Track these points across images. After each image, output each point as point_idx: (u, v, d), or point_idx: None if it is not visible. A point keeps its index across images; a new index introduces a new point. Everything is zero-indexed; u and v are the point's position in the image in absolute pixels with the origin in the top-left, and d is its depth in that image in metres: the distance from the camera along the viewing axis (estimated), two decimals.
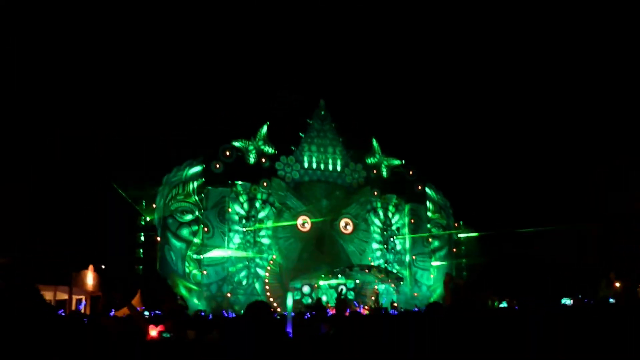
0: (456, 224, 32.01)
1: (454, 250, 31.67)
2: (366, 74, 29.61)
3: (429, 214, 31.39)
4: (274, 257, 27.62)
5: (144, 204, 25.47)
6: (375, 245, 30.04)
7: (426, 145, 30.83)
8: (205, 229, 26.11)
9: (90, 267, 24.49)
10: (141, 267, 25.25)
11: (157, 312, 18.86)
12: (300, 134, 29.67)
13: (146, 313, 18.10)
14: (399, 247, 30.52)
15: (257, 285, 26.92)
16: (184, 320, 14.86)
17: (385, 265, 29.46)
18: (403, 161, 31.36)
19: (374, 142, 31.04)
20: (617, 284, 22.29)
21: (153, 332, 9.27)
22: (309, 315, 20.18)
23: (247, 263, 26.94)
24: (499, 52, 29.63)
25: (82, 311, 22.26)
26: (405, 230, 30.61)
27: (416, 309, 25.03)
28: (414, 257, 30.37)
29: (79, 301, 24.57)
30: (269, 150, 28.52)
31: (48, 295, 22.65)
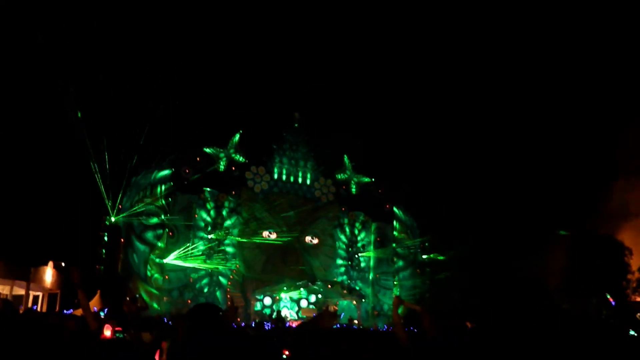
0: (422, 245, 32.06)
1: (418, 271, 31.70)
2: (343, 91, 29.67)
3: (395, 233, 31.42)
4: (237, 266, 27.46)
5: (109, 204, 25.17)
6: (339, 261, 30.03)
7: (396, 165, 30.94)
8: (170, 234, 25.86)
9: (50, 263, 24.13)
10: (102, 267, 24.90)
11: (107, 311, 18.58)
12: (273, 145, 29.65)
13: (102, 313, 17.83)
14: (363, 265, 30.53)
15: (218, 294, 26.69)
16: (142, 323, 14.65)
17: (349, 282, 29.45)
18: (373, 179, 31.41)
19: (345, 158, 31.08)
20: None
21: (107, 332, 9.12)
22: (268, 327, 20.04)
23: (209, 271, 26.71)
24: (472, 72, 29.88)
25: (38, 309, 21.91)
26: (371, 248, 30.61)
27: (372, 328, 24.94)
28: (377, 275, 30.35)
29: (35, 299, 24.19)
30: (240, 159, 28.40)
31: (4, 290, 22.28)
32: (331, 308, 28.41)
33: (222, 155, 27.96)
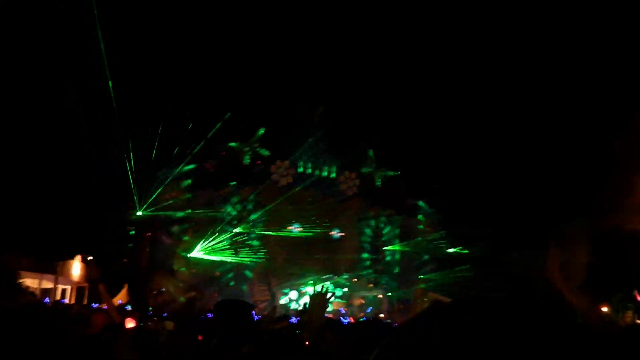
0: (446, 239, 31.83)
1: (444, 265, 31.47)
2: (368, 83, 29.50)
3: (420, 226, 31.23)
4: (263, 260, 27.51)
5: (136, 198, 25.33)
6: (364, 255, 29.93)
7: (422, 158, 30.69)
8: (195, 228, 25.98)
9: (78, 257, 24.36)
10: (129, 261, 25.12)
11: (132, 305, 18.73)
12: (297, 139, 29.59)
13: (128, 307, 17.96)
14: (388, 258, 30.39)
15: (244, 287, 26.77)
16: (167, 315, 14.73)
17: (374, 275, 29.36)
18: (397, 173, 31.24)
19: (370, 152, 30.94)
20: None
21: (130, 324, 9.18)
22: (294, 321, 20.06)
23: (235, 264, 26.79)
24: (492, 66, 29.60)
25: (67, 302, 22.12)
26: (396, 241, 30.46)
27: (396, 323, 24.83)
28: (402, 269, 30.20)
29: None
30: (264, 153, 28.42)
31: (33, 283, 22.51)
32: (358, 301, 28.44)
33: (246, 149, 27.99)
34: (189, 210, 25.94)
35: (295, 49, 28.10)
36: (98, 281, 20.51)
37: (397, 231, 30.64)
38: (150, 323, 10.17)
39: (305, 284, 26.91)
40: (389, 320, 25.36)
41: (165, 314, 13.78)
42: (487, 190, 28.97)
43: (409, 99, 29.76)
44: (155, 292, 23.59)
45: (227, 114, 25.75)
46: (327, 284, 26.92)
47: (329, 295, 5.12)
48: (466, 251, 31.18)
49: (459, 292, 29.53)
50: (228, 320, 4.94)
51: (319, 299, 6.73)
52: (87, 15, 20.02)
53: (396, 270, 30.24)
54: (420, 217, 31.32)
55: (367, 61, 30.19)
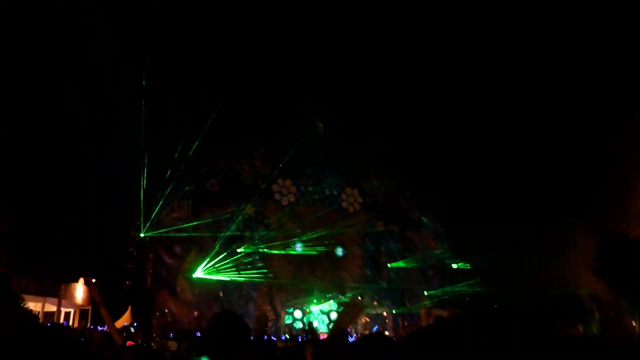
0: (450, 254, 31.75)
1: (448, 280, 31.38)
2: (367, 100, 29.50)
3: (424, 242, 31.19)
4: (267, 279, 27.41)
5: (139, 219, 25.28)
6: (368, 272, 29.84)
7: (424, 174, 30.65)
8: (198, 248, 25.94)
9: (81, 279, 24.28)
10: (132, 282, 25.04)
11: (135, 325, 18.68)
12: (298, 157, 29.57)
13: (132, 328, 17.90)
14: (392, 275, 30.30)
15: (249, 307, 26.66)
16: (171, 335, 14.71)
17: (378, 292, 29.25)
18: (400, 188, 31.21)
19: (372, 167, 30.93)
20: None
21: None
22: (300, 339, 20.00)
23: (239, 284, 26.71)
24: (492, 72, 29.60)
25: (71, 324, 22.06)
26: (400, 257, 30.39)
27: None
28: (407, 285, 30.09)
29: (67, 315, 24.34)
30: (266, 172, 28.42)
31: (36, 307, 22.44)
32: (363, 320, 28.31)
33: (248, 168, 27.99)
34: (192, 231, 25.88)
35: (294, 62, 28.13)
36: (100, 304, 20.39)
37: (401, 246, 30.58)
38: (153, 343, 10.17)
39: (310, 303, 26.81)
40: (393, 337, 25.27)
41: (171, 335, 13.77)
42: (489, 200, 28.89)
43: (410, 105, 29.75)
44: (158, 313, 23.50)
45: (229, 133, 25.84)
46: (332, 302, 26.84)
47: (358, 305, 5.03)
48: (467, 266, 31.11)
49: (464, 306, 29.44)
50: (223, 333, 4.87)
51: (353, 309, 6.64)
52: (90, 14, 20.11)
53: (400, 287, 30.13)
54: (424, 232, 31.29)
55: (366, 65, 30.18)
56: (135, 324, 19.33)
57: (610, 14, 26.99)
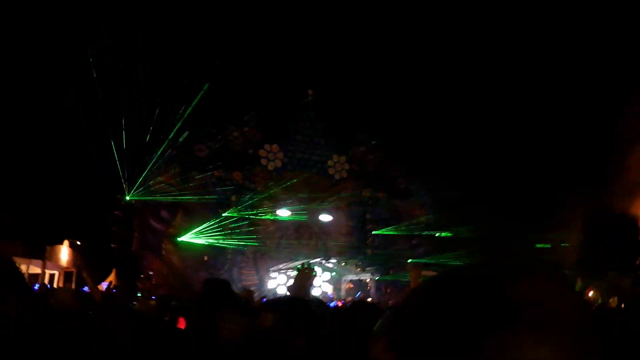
0: (437, 222, 31.83)
1: (435, 248, 31.51)
2: (359, 69, 29.41)
3: (410, 210, 31.25)
4: (252, 244, 27.50)
5: (125, 183, 25.22)
6: (354, 239, 29.94)
7: (412, 141, 30.65)
8: (185, 212, 25.95)
9: (66, 242, 24.31)
10: (118, 245, 25.08)
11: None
12: (286, 123, 29.47)
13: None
14: (377, 242, 30.41)
15: (232, 272, 26.77)
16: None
17: (363, 259, 29.42)
18: (388, 155, 31.15)
19: (360, 135, 30.84)
20: None
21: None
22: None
23: (224, 249, 26.79)
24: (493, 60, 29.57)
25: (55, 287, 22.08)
26: (385, 225, 30.47)
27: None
28: (392, 252, 30.24)
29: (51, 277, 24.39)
30: (254, 137, 28.30)
31: (21, 269, 22.42)
32: (347, 286, 28.57)
33: (236, 133, 27.88)
34: (178, 195, 25.87)
35: (286, 31, 27.96)
36: (84, 266, 20.44)
37: (388, 214, 30.65)
38: (136, 303, 10.24)
39: (294, 268, 26.95)
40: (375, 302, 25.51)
41: (154, 297, 13.80)
42: (480, 169, 29.02)
43: (403, 81, 29.72)
44: (144, 276, 23.58)
45: (217, 97, 25.64)
46: (317, 268, 26.99)
47: (312, 273, 5.10)
48: (448, 234, 31.27)
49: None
50: (213, 297, 4.95)
51: (301, 276, 6.74)
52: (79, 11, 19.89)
53: (385, 254, 30.29)
54: (412, 200, 31.35)
55: (361, 41, 30.07)
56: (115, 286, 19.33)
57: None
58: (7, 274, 3.33)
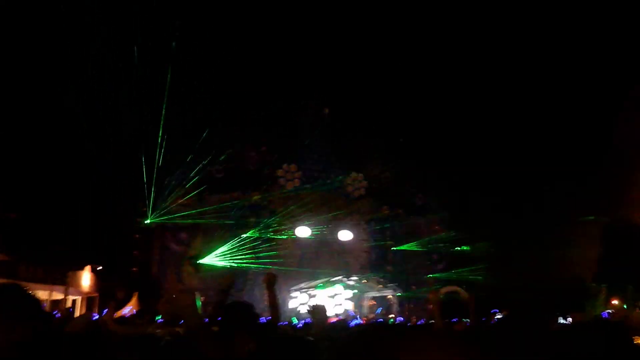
0: (455, 238, 31.72)
1: (453, 264, 31.40)
2: (373, 84, 29.45)
3: (429, 226, 31.20)
4: (273, 265, 27.46)
5: (145, 206, 25.28)
6: (374, 256, 29.89)
7: (429, 158, 30.62)
8: (204, 234, 25.99)
9: (87, 267, 24.44)
10: (138, 269, 25.15)
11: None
12: (303, 142, 29.55)
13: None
14: (397, 259, 30.34)
15: (256, 292, 26.72)
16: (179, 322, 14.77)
17: (384, 276, 29.34)
18: (405, 172, 31.13)
19: (377, 152, 30.85)
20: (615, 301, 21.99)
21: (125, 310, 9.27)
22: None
23: (245, 270, 26.76)
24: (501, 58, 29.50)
25: (77, 313, 22.20)
26: (404, 241, 30.41)
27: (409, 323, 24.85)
28: (412, 268, 30.16)
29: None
30: (270, 157, 28.39)
31: (44, 295, 22.62)
32: (369, 303, 28.46)
33: (252, 154, 27.98)
34: (198, 217, 25.93)
35: (301, 47, 28.06)
36: (107, 291, 20.65)
37: (406, 231, 30.60)
38: (158, 330, 10.21)
39: (316, 287, 26.90)
40: (401, 318, 25.40)
41: (181, 322, 13.79)
42: (498, 183, 28.93)
43: (417, 97, 29.73)
44: (165, 299, 23.62)
45: (233, 118, 25.76)
46: (337, 286, 26.93)
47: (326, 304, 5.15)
48: (468, 248, 31.15)
49: (470, 288, 29.47)
50: (233, 321, 4.96)
51: (317, 312, 6.79)
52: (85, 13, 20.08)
53: (405, 270, 30.20)
54: (429, 216, 31.30)
55: (377, 58, 30.12)
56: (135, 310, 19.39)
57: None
58: (18, 300, 3.36)
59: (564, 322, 19.16)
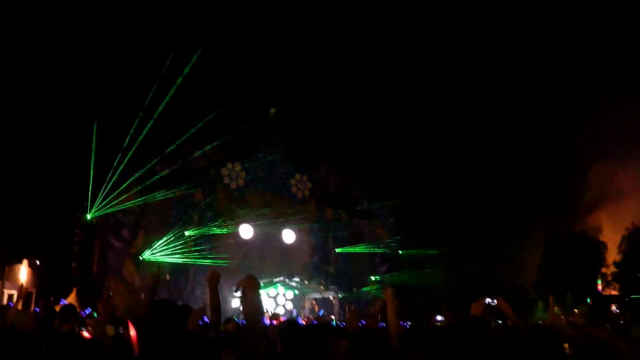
0: (399, 242, 32.11)
1: (395, 267, 31.79)
2: (321, 86, 29.59)
3: (373, 230, 31.52)
4: (215, 264, 27.32)
5: (88, 202, 24.82)
6: (316, 258, 30.03)
7: (375, 162, 30.95)
8: (146, 231, 25.71)
9: (25, 261, 23.87)
10: (77, 265, 24.66)
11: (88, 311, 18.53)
12: (248, 141, 29.46)
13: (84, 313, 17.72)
14: (340, 261, 30.55)
15: (197, 292, 26.57)
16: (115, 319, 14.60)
17: (325, 278, 29.49)
18: (351, 177, 31.43)
19: (322, 154, 31.04)
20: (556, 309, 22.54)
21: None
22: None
23: (187, 268, 26.57)
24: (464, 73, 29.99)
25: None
26: (347, 244, 30.65)
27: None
28: (355, 272, 30.42)
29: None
30: (215, 156, 28.22)
31: None
32: (310, 304, 28.59)
33: (197, 152, 27.76)
34: (139, 214, 25.64)
35: (249, 48, 28.00)
36: (45, 286, 20.26)
37: (349, 234, 30.84)
38: (90, 327, 10.08)
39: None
40: (338, 322, 25.59)
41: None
42: (441, 188, 29.38)
43: (366, 101, 29.96)
44: (105, 297, 23.25)
45: (177, 116, 25.53)
46: (279, 286, 26.97)
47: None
48: (413, 252, 31.57)
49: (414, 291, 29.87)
50: (161, 321, 4.96)
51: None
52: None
53: (348, 272, 30.43)
54: (373, 220, 31.62)
55: (324, 59, 30.27)
56: (86, 309, 19.07)
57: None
58: None
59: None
